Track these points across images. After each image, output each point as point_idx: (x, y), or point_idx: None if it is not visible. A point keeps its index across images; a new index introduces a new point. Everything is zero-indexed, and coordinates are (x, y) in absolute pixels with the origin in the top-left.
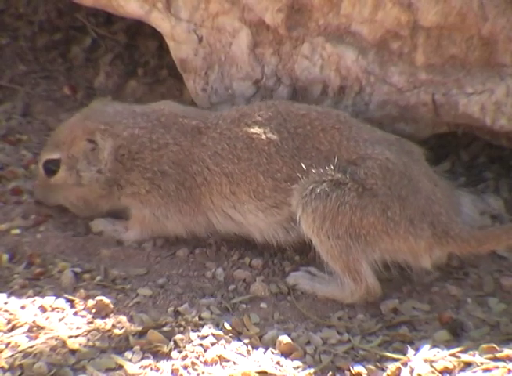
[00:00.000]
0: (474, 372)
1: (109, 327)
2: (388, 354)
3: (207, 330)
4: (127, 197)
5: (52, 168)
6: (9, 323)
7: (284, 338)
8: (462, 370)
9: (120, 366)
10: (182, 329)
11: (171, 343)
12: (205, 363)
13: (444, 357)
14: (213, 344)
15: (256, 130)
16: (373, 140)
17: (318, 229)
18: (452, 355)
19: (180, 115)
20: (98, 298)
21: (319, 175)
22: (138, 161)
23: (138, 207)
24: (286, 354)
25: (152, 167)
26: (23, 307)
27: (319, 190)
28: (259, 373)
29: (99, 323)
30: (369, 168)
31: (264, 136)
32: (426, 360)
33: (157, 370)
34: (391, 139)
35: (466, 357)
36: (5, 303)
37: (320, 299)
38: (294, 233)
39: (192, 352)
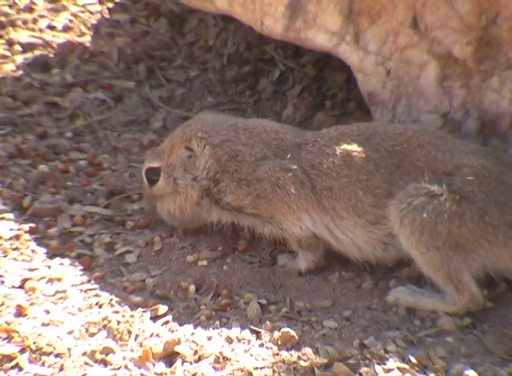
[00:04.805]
0: None
1: (294, 358)
2: None
3: (393, 363)
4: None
5: (152, 176)
6: (195, 353)
7: (470, 373)
8: None
9: None
10: (367, 362)
11: None
12: None
13: None
14: None
15: (355, 148)
16: (468, 151)
17: (417, 242)
18: None
19: (281, 131)
20: (283, 329)
21: (415, 189)
22: (237, 173)
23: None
24: None
25: (247, 176)
26: (209, 338)
27: (416, 203)
28: None
29: (285, 354)
30: (465, 175)
31: (363, 154)
32: None
33: None
34: (486, 150)
35: None
36: (192, 334)
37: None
38: (393, 249)
39: None
